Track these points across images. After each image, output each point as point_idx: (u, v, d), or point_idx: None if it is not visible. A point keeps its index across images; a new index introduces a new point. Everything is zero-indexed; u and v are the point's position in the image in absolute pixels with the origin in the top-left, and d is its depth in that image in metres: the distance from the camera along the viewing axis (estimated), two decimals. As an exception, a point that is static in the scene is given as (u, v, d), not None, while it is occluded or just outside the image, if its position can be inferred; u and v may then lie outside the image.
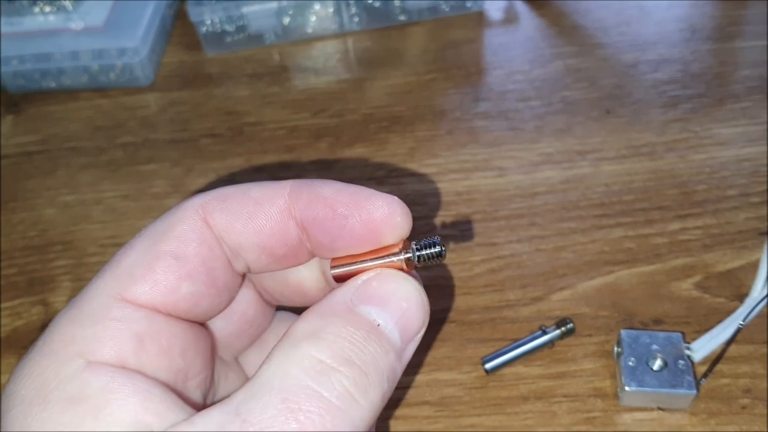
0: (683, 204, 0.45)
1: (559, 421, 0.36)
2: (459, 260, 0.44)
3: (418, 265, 0.24)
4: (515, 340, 0.39)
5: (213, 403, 0.21)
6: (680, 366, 0.35)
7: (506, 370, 0.38)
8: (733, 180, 0.46)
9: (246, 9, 0.60)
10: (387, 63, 0.59)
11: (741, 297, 0.40)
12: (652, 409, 0.36)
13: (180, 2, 0.67)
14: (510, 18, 0.62)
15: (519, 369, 0.38)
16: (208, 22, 0.60)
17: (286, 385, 0.20)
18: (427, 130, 0.53)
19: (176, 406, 0.21)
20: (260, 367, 0.21)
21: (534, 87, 0.55)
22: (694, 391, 0.34)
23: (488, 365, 0.38)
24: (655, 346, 0.36)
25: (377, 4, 0.61)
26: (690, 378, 0.35)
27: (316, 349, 0.21)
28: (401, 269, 0.24)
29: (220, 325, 0.28)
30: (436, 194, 0.48)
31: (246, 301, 0.29)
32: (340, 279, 0.24)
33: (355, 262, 0.24)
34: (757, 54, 0.55)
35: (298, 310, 0.27)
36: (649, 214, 0.45)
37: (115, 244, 0.48)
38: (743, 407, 0.36)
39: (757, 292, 0.38)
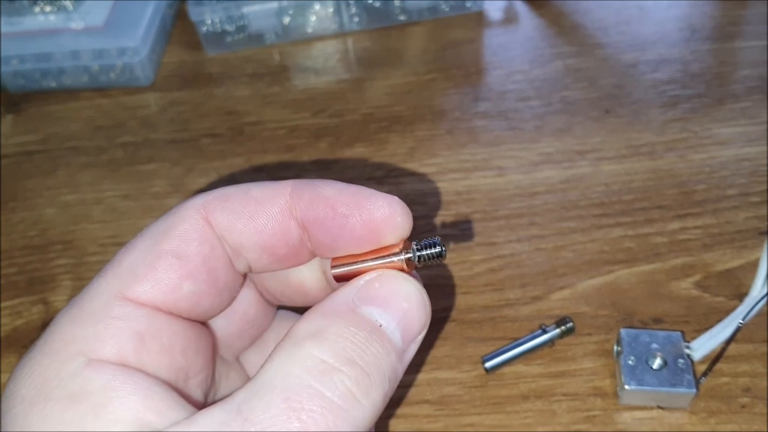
0: (683, 203, 0.45)
1: (558, 420, 0.36)
2: (459, 260, 0.44)
3: (419, 265, 0.24)
4: (515, 339, 0.39)
5: (214, 402, 0.21)
6: (680, 365, 0.35)
7: (506, 369, 0.38)
8: (733, 180, 0.46)
9: (246, 9, 0.60)
10: (387, 63, 0.59)
11: (740, 296, 0.40)
12: (651, 408, 0.36)
13: (180, 2, 0.67)
14: (510, 18, 0.62)
15: (519, 368, 0.38)
16: (209, 21, 0.60)
17: (289, 384, 0.20)
18: (427, 130, 0.53)
19: (177, 404, 0.21)
20: (262, 366, 0.21)
21: (534, 87, 0.55)
22: (694, 390, 0.35)
23: (488, 364, 0.38)
24: (654, 345, 0.36)
25: (377, 4, 0.61)
26: (690, 377, 0.35)
27: (318, 348, 0.21)
28: (402, 269, 0.24)
29: (221, 325, 0.28)
30: (435, 194, 0.48)
31: (247, 301, 0.29)
32: (341, 279, 0.25)
33: (356, 262, 0.24)
34: (756, 54, 0.55)
35: (299, 310, 0.27)
36: (649, 214, 0.45)
37: (116, 243, 0.48)
38: (743, 406, 0.36)
39: (756, 291, 0.38)
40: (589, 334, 0.39)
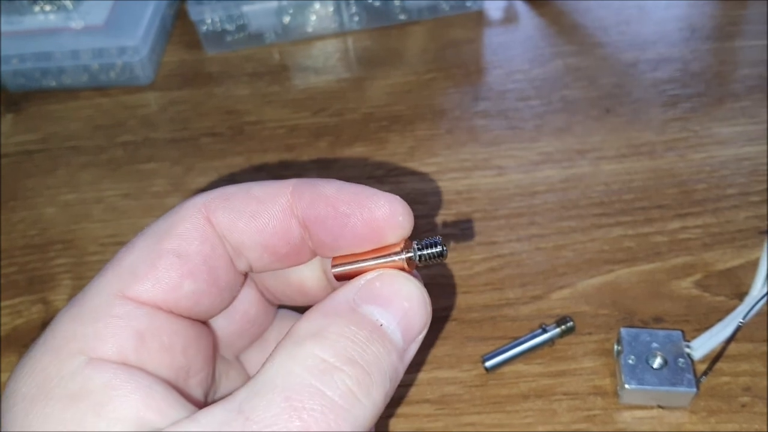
0: (683, 203, 0.45)
1: (559, 419, 0.36)
2: (459, 259, 0.44)
3: (420, 265, 0.24)
4: (515, 339, 0.39)
5: (214, 401, 0.21)
6: (680, 364, 0.35)
7: (506, 369, 0.38)
8: (733, 179, 0.46)
9: (246, 8, 0.60)
10: (387, 62, 0.59)
11: (741, 295, 0.40)
12: (651, 407, 0.36)
13: (180, 1, 0.67)
14: (510, 17, 0.62)
15: (519, 367, 0.38)
16: (209, 21, 0.60)
17: (290, 383, 0.20)
18: (427, 129, 0.53)
19: (178, 403, 0.21)
20: (263, 365, 0.21)
21: (534, 86, 0.55)
22: (694, 389, 0.35)
23: (488, 363, 0.38)
24: (655, 345, 0.36)
25: (377, 3, 0.61)
26: (690, 376, 0.35)
27: (319, 348, 0.21)
28: (402, 269, 0.24)
29: (221, 324, 0.28)
30: (435, 193, 0.48)
31: (248, 300, 0.29)
32: (342, 278, 0.25)
33: (357, 261, 0.24)
34: (756, 53, 0.55)
35: (300, 309, 0.27)
36: (649, 213, 0.45)
37: (116, 242, 0.48)
38: (743, 405, 0.36)
39: (756, 290, 0.38)
40: (590, 334, 0.39)
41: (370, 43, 0.62)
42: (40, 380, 0.21)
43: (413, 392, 0.38)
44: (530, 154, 0.50)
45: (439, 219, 0.47)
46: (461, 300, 0.42)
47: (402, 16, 0.62)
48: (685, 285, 0.41)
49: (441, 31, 0.62)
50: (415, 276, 0.24)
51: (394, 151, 0.52)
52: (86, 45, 0.58)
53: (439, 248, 0.24)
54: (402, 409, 0.38)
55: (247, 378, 0.29)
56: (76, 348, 0.21)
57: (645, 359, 0.36)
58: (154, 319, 0.23)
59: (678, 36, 0.58)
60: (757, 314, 0.36)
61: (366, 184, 0.25)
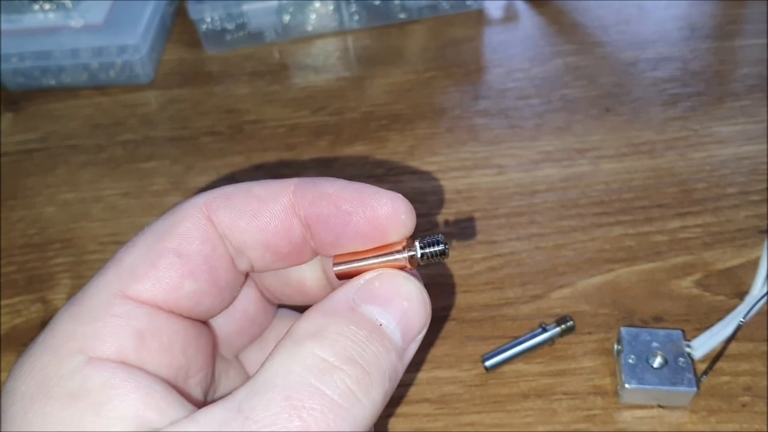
0: (683, 202, 0.45)
1: (559, 419, 0.36)
2: (459, 258, 0.44)
3: (422, 263, 0.24)
4: (515, 338, 0.39)
5: (213, 401, 0.21)
6: (680, 363, 0.35)
7: (506, 368, 0.38)
8: (733, 178, 0.46)
9: (246, 7, 0.60)
10: (387, 61, 0.59)
11: (741, 295, 0.40)
12: (652, 407, 0.36)
13: (180, 0, 0.67)
14: (510, 16, 0.62)
15: (519, 366, 0.38)
16: (208, 19, 0.60)
17: (289, 382, 0.20)
18: (427, 128, 0.53)
19: (177, 402, 0.21)
20: (262, 364, 0.21)
21: (534, 85, 0.55)
22: (694, 389, 0.35)
23: (488, 363, 0.38)
24: (655, 344, 0.36)
25: (377, 2, 0.61)
26: (690, 375, 0.35)
27: (319, 347, 0.21)
28: (404, 267, 0.24)
29: (221, 323, 0.28)
30: (435, 192, 0.48)
31: (248, 300, 0.29)
32: (343, 276, 0.24)
33: (358, 260, 0.24)
34: (756, 52, 0.55)
35: (300, 309, 0.27)
36: (649, 212, 0.45)
37: (115, 241, 0.48)
38: (743, 405, 0.36)
39: (757, 289, 0.38)
40: (590, 333, 0.39)
41: (370, 42, 0.61)
42: (39, 379, 0.21)
43: (413, 392, 0.38)
44: (530, 153, 0.50)
45: (440, 218, 0.46)
46: (461, 299, 0.42)
47: (402, 15, 0.62)
48: (686, 284, 0.41)
49: (441, 30, 0.61)
50: (414, 275, 0.24)
51: (394, 149, 0.51)
52: (86, 44, 0.58)
53: (441, 246, 0.24)
54: (402, 409, 0.38)
55: (247, 377, 0.29)
56: (76, 347, 0.21)
57: (645, 359, 0.36)
58: (154, 318, 0.23)
59: (678, 35, 0.58)
60: (758, 313, 0.36)
61: (366, 183, 0.24)
